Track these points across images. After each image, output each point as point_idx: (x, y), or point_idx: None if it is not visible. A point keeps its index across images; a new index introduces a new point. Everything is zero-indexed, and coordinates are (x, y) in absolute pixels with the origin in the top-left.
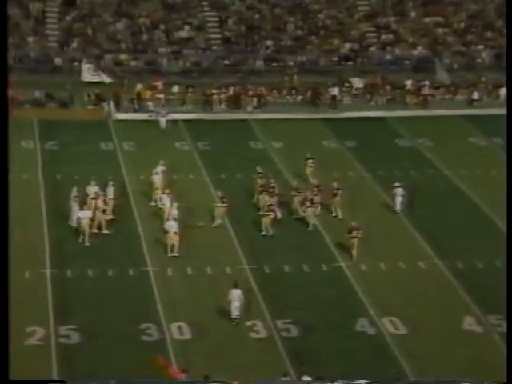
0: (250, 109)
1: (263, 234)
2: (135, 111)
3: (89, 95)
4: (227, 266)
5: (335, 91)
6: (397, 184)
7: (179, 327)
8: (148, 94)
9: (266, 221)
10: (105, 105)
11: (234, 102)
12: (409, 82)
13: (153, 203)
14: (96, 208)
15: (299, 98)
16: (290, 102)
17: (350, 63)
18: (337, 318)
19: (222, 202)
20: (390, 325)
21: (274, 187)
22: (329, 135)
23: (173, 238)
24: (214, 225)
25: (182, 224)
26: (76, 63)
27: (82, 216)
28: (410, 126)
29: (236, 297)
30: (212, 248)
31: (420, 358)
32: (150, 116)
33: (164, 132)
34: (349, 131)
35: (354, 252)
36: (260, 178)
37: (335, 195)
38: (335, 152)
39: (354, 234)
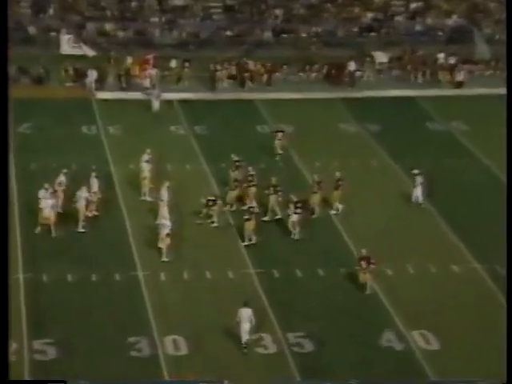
0: (256, 87)
1: (245, 243)
2: (123, 89)
3: (66, 70)
4: (229, 269)
5: (352, 66)
6: (416, 171)
7: (174, 341)
8: (138, 69)
9: (248, 227)
10: (88, 73)
11: (239, 80)
12: (441, 56)
13: (143, 197)
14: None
15: (313, 74)
16: (303, 79)
17: (373, 34)
18: (358, 330)
19: (208, 205)
20: (420, 338)
21: (252, 176)
22: (347, 117)
23: (164, 240)
24: (214, 224)
25: (178, 221)
26: (53, 33)
27: (44, 206)
28: (443, 107)
29: (246, 318)
30: (212, 248)
31: (455, 377)
32: (144, 94)
33: (156, 114)
34: (371, 113)
35: (367, 289)
36: (237, 167)
37: (337, 187)
38: (355, 137)
39: (363, 264)
